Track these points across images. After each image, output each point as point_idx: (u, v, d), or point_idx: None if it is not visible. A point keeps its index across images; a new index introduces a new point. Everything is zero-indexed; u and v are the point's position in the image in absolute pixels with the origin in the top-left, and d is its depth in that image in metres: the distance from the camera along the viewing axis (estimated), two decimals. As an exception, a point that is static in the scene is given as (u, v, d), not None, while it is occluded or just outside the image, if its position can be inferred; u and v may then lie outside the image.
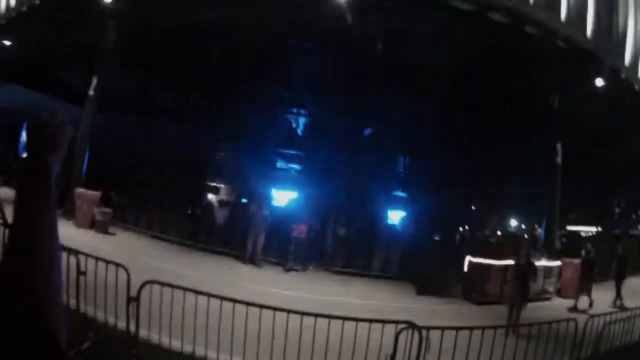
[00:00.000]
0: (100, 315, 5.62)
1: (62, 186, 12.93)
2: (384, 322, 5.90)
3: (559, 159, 20.70)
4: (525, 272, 10.12)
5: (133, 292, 5.27)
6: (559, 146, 20.78)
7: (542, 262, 16.25)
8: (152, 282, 5.38)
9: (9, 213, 1.26)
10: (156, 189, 14.26)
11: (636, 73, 21.93)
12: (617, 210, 47.62)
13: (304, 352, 5.71)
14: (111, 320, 5.51)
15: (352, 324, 5.86)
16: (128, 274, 5.41)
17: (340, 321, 5.75)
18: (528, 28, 18.19)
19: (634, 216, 51.98)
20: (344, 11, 16.03)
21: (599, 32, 19.77)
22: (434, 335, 5.87)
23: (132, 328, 5.23)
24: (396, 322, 5.86)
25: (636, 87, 22.30)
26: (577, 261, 17.61)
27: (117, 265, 5.59)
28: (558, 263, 17.31)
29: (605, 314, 7.84)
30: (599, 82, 20.62)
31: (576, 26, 19.44)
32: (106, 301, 5.34)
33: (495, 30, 17.83)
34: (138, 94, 24.45)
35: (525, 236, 15.12)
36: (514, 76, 19.52)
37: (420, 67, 19.48)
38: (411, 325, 5.76)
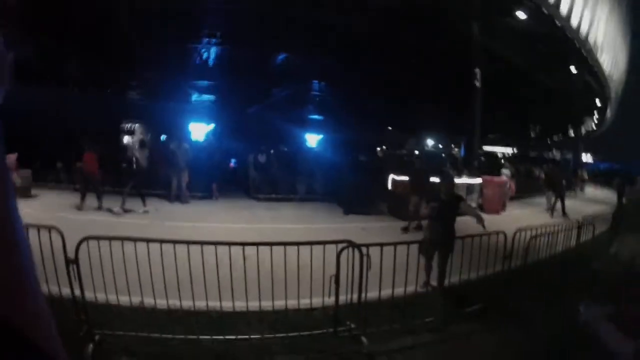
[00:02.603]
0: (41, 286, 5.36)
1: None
2: (325, 243, 5.92)
3: (477, 83, 21.39)
4: (447, 210, 7.57)
5: (71, 254, 5.09)
6: (477, 71, 21.40)
7: (463, 180, 17.32)
8: (87, 238, 5.15)
9: None
10: (72, 140, 13.54)
11: (558, 8, 22.74)
12: (533, 135, 50.72)
13: (251, 282, 5.80)
14: (54, 288, 5.29)
15: (290, 248, 5.88)
16: (62, 235, 5.17)
17: (280, 247, 5.78)
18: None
19: (548, 141, 55.62)
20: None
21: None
22: (373, 252, 5.99)
23: (77, 292, 5.06)
24: (336, 242, 5.92)
25: (557, 22, 23.25)
26: (497, 179, 18.94)
27: (50, 228, 5.29)
28: (479, 180, 18.43)
29: (532, 228, 8.16)
30: (521, 15, 21.38)
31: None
32: (45, 268, 5.14)
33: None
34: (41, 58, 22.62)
35: (448, 170, 15.42)
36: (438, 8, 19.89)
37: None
38: (351, 243, 5.87)
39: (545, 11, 21.98)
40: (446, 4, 20.33)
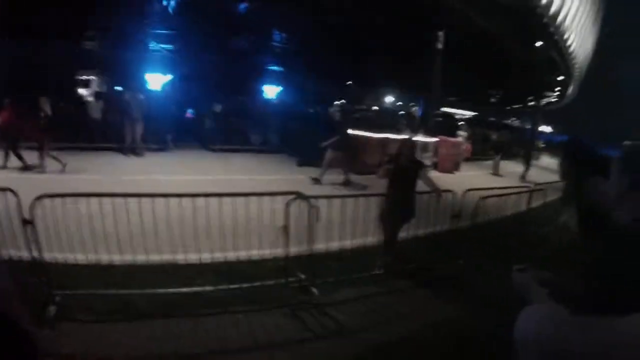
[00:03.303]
0: None
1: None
2: (272, 194, 6.00)
3: (439, 45, 21.53)
4: (406, 176, 7.02)
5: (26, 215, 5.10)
6: (440, 34, 21.51)
7: (419, 138, 17.71)
8: (41, 197, 5.09)
9: None
10: (23, 96, 12.93)
11: None
12: (493, 101, 51.47)
13: (202, 234, 6.00)
14: (13, 252, 5.27)
15: (240, 200, 6.02)
16: (16, 195, 5.11)
17: (230, 199, 5.89)
18: None
19: (508, 108, 56.55)
20: None
21: None
22: (322, 204, 6.19)
23: (35, 253, 5.08)
24: (284, 193, 6.00)
25: None
26: (453, 139, 19.55)
27: (1, 190, 5.21)
28: (435, 140, 18.88)
29: (481, 189, 8.35)
30: None
31: None
32: (2, 232, 5.15)
33: None
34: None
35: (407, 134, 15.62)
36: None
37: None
38: (299, 195, 5.97)
39: None
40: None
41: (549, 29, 29.56)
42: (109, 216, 5.57)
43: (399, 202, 6.97)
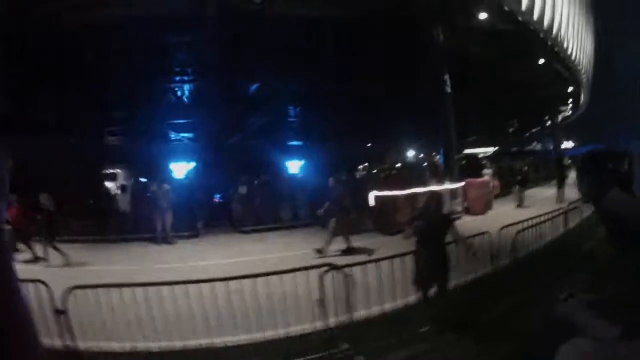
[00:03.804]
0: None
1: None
2: (305, 269, 5.97)
3: (447, 88, 21.64)
4: (435, 233, 6.55)
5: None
6: (446, 77, 21.64)
7: (446, 186, 17.52)
8: (75, 288, 5.21)
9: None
10: (52, 193, 13.33)
11: (519, 4, 23.27)
12: (511, 131, 51.50)
13: (240, 315, 5.88)
14: (47, 341, 5.27)
15: (274, 278, 6.01)
16: (48, 287, 5.20)
17: (265, 278, 5.90)
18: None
19: (528, 134, 56.47)
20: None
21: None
22: (357, 270, 6.12)
23: (69, 342, 5.08)
24: (316, 266, 5.98)
25: (519, 18, 23.77)
26: (479, 180, 19.32)
27: (34, 281, 5.31)
28: (462, 184, 18.67)
29: (515, 224, 8.20)
30: (482, 15, 21.84)
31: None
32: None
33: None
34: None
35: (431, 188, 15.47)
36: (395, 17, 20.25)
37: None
38: (331, 266, 5.94)
39: (507, 8, 22.41)
40: (407, 11, 20.60)
41: (547, 43, 29.49)
42: (145, 304, 5.53)
43: (432, 262, 6.51)
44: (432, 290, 6.69)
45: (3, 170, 1.02)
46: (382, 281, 6.58)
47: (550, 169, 30.26)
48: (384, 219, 15.19)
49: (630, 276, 2.01)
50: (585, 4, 40.65)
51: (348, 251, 12.57)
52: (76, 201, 13.87)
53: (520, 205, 19.00)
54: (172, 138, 27.35)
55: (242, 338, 5.82)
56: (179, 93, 26.54)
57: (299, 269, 6.03)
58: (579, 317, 2.10)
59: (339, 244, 12.72)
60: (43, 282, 5.35)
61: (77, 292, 5.22)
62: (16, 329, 0.94)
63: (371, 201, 16.38)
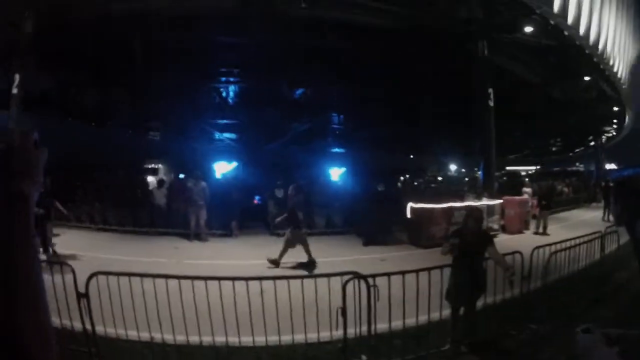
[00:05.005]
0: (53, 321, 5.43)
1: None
2: (329, 275, 5.93)
3: (491, 103, 21.24)
4: (473, 251, 6.38)
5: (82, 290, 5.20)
6: (490, 91, 21.24)
7: (484, 202, 17.13)
8: (97, 273, 5.30)
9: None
10: (94, 181, 13.58)
11: (565, 19, 22.69)
12: (554, 150, 50.29)
13: (256, 316, 5.81)
14: (66, 322, 5.38)
15: (296, 283, 5.96)
16: (73, 271, 5.31)
17: (293, 281, 5.89)
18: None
19: (570, 154, 55.07)
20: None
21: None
22: (383, 282, 5.93)
23: (88, 326, 5.16)
24: (341, 273, 5.90)
25: (566, 32, 23.18)
26: (518, 198, 18.83)
27: (61, 264, 5.48)
28: (499, 201, 18.18)
29: (549, 244, 7.89)
30: (528, 28, 21.41)
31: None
32: (57, 303, 5.23)
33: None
34: (59, 93, 23.20)
35: (472, 204, 15.06)
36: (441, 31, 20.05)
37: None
38: (356, 275, 5.84)
39: (552, 22, 21.84)
40: (452, 26, 20.37)
41: (592, 60, 28.49)
42: (164, 296, 5.57)
43: (468, 280, 6.35)
44: (462, 309, 6.54)
45: (39, 159, 1.07)
46: (408, 294, 6.37)
47: (591, 191, 30.09)
48: (420, 231, 14.94)
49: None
50: (632, 22, 39.16)
51: (307, 265, 12.01)
52: (115, 191, 14.02)
53: (537, 231, 17.97)
54: (215, 137, 27.74)
55: (257, 340, 5.80)
56: (223, 94, 26.89)
57: (323, 275, 6.03)
58: (598, 355, 1.98)
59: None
60: (69, 265, 5.50)
61: (103, 279, 5.32)
62: (38, 327, 0.98)
63: (408, 213, 16.15)
